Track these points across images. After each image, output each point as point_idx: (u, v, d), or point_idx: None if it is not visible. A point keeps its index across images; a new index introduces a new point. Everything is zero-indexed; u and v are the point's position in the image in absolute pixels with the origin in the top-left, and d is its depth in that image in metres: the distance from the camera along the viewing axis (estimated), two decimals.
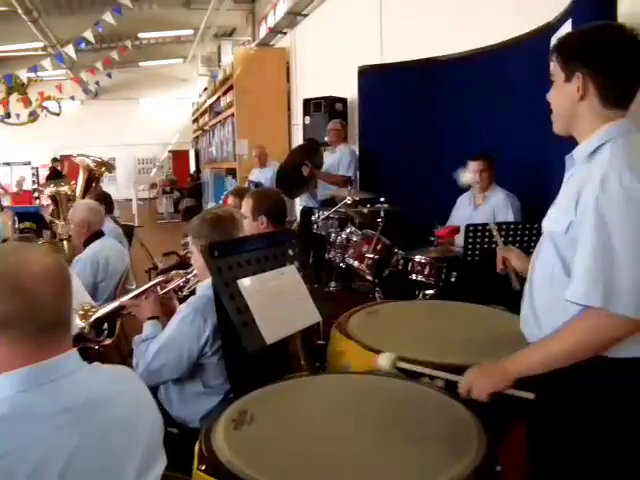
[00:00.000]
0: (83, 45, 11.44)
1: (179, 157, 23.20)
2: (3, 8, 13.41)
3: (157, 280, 2.99)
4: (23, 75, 12.24)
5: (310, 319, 2.51)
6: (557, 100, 1.92)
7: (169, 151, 22.21)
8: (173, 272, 3.05)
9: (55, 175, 19.41)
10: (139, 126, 24.13)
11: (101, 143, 21.35)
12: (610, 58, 1.79)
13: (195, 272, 2.93)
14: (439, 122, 6.23)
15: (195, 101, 20.59)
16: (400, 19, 7.47)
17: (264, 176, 8.58)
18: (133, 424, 1.51)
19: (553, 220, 1.91)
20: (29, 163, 23.31)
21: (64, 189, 6.02)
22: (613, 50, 1.79)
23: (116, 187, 20.02)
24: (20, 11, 13.05)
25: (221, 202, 7.38)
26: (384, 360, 2.21)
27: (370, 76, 7.15)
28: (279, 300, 2.39)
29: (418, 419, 1.96)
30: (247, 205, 3.59)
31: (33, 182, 23.32)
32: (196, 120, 19.83)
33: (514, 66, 5.14)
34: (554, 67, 1.91)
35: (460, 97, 5.99)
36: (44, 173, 22.13)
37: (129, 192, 18.12)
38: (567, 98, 1.86)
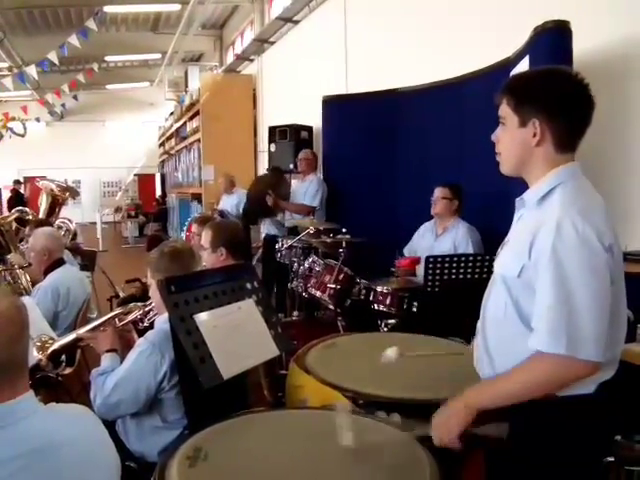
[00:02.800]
0: (47, 66, 11.38)
1: (145, 181, 23.09)
2: None
3: (115, 312, 2.97)
4: None
5: (268, 353, 2.52)
6: (508, 143, 1.93)
7: (135, 175, 22.07)
8: (132, 304, 3.03)
9: (17, 198, 19.15)
10: (105, 149, 24.03)
11: (66, 165, 21.22)
12: (566, 105, 1.83)
13: (153, 305, 2.92)
14: (402, 152, 6.33)
15: (162, 125, 20.58)
16: (364, 51, 7.62)
17: (230, 203, 8.59)
18: (88, 469, 1.50)
19: (504, 264, 1.94)
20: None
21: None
22: (568, 97, 1.83)
23: (81, 210, 19.86)
24: None
25: (185, 228, 7.36)
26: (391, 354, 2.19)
27: (334, 106, 7.23)
28: (236, 335, 2.40)
29: (372, 454, 1.97)
30: (207, 237, 3.59)
31: None
32: (162, 144, 19.80)
33: (474, 99, 5.24)
34: (504, 109, 1.92)
35: (422, 128, 6.09)
36: (7, 195, 21.82)
37: (94, 215, 17.96)
38: (521, 143, 1.88)
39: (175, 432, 2.58)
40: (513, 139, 1.91)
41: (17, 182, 19.85)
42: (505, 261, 1.94)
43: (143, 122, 24.17)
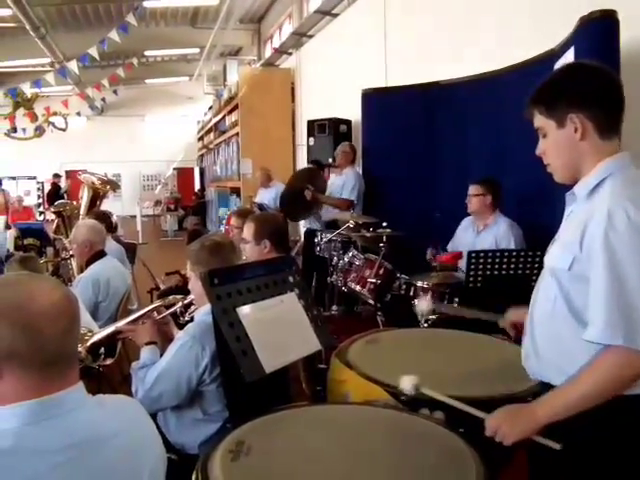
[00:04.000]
0: (87, 61, 11.52)
1: (184, 175, 23.28)
2: (12, 24, 13.55)
3: (155, 305, 2.97)
4: (28, 89, 12.27)
5: (310, 348, 2.49)
6: (554, 150, 1.91)
7: (174, 168, 22.26)
8: (172, 297, 3.02)
9: (56, 191, 19.53)
10: (144, 143, 24.31)
11: (106, 159, 21.51)
12: (595, 91, 1.82)
13: (193, 297, 2.91)
14: (442, 146, 6.25)
15: (200, 119, 20.72)
16: (404, 43, 7.54)
17: (267, 197, 8.59)
18: (135, 461, 1.49)
19: (555, 257, 1.90)
20: (34, 178, 23.42)
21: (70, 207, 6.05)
22: (594, 83, 1.82)
23: (121, 203, 20.11)
24: (28, 27, 13.17)
25: (224, 221, 7.38)
26: (406, 383, 2.17)
27: (374, 99, 7.18)
28: (278, 328, 2.38)
29: (416, 451, 1.94)
30: (249, 229, 3.57)
31: (38, 197, 23.45)
32: (201, 138, 19.93)
33: (515, 92, 5.12)
34: (538, 120, 1.91)
35: (462, 122, 6.00)
36: (49, 188, 22.25)
37: (134, 209, 18.17)
38: (566, 143, 1.85)
39: (216, 425, 2.58)
40: (557, 143, 1.88)
41: (56, 175, 20.21)
42: (555, 254, 1.91)
43: (182, 116, 24.37)
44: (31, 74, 17.01)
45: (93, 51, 11.12)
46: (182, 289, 4.91)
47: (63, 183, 20.63)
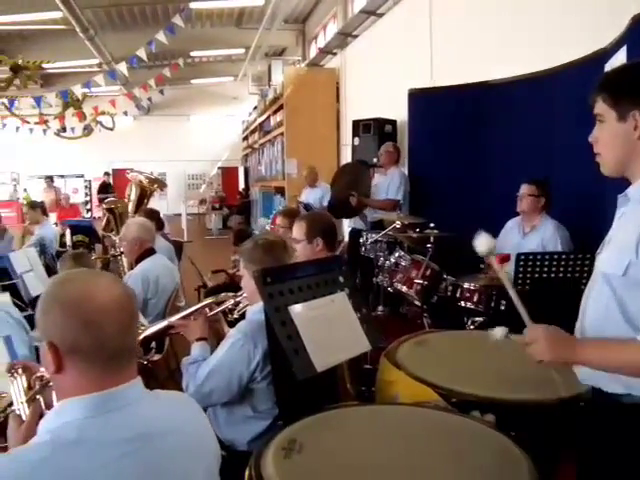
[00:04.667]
0: (135, 63, 11.70)
1: (228, 174, 23.48)
2: (62, 26, 13.83)
3: (207, 301, 3.00)
4: (78, 90, 12.52)
5: (359, 348, 2.49)
6: (608, 141, 1.85)
7: (218, 168, 22.46)
8: (223, 294, 3.05)
9: (105, 188, 19.91)
10: (189, 142, 24.57)
11: (152, 158, 21.80)
12: None
13: (245, 295, 2.93)
14: (489, 146, 6.20)
15: (245, 119, 20.87)
16: (450, 43, 7.49)
17: (313, 197, 8.62)
18: (190, 457, 1.51)
19: (608, 262, 1.85)
20: (82, 176, 23.87)
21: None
22: None
23: (167, 202, 20.35)
24: (78, 29, 13.43)
25: (270, 220, 7.42)
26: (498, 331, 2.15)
27: (420, 99, 7.16)
28: (329, 327, 2.39)
29: (468, 454, 1.93)
30: (300, 228, 3.59)
31: (85, 195, 23.89)
32: (246, 138, 20.08)
33: (566, 92, 5.08)
34: (600, 107, 1.85)
35: (511, 122, 5.95)
36: (97, 186, 22.66)
37: (179, 207, 18.38)
38: (622, 138, 1.80)
39: (265, 422, 2.60)
40: (613, 135, 1.83)
41: (106, 174, 20.58)
42: (608, 259, 1.85)
43: (227, 116, 24.59)
44: (80, 75, 17.40)
45: (141, 52, 11.31)
46: (229, 287, 4.96)
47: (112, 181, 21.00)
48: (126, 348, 1.45)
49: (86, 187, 24.20)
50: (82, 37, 13.98)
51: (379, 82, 9.92)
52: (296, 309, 2.28)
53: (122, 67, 11.76)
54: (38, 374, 1.87)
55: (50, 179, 18.45)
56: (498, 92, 6.08)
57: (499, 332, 2.11)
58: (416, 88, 7.26)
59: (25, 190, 23.45)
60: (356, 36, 11.59)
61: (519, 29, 6.05)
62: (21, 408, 1.82)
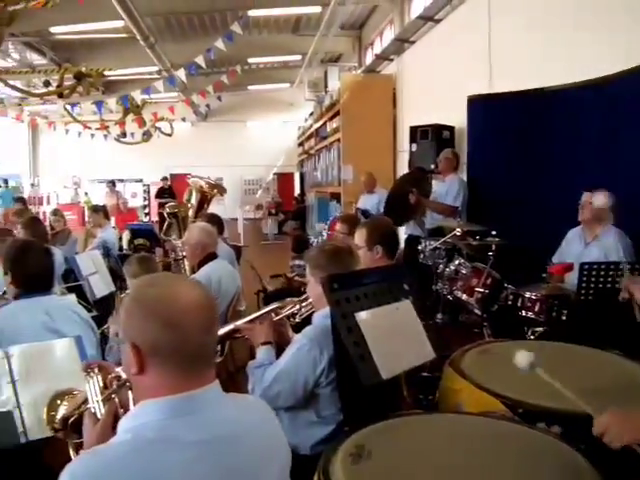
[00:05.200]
0: (194, 70, 11.90)
1: (284, 179, 23.67)
2: (123, 35, 14.16)
3: (273, 306, 3.03)
4: (137, 97, 12.80)
5: (424, 355, 2.50)
6: None
7: (274, 173, 22.65)
8: (289, 299, 3.08)
9: (163, 193, 20.26)
10: (246, 148, 24.81)
11: (209, 163, 22.05)
12: None
13: (310, 300, 2.95)
14: (550, 153, 6.10)
15: (301, 125, 20.99)
16: (509, 48, 7.40)
17: (370, 203, 8.60)
18: (265, 459, 1.54)
19: None
20: (141, 180, 24.33)
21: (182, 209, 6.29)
22: None
23: (224, 207, 20.59)
24: (139, 37, 13.73)
25: (326, 227, 7.45)
26: (522, 359, 2.10)
27: (480, 105, 7.09)
28: (395, 335, 2.40)
29: (535, 465, 1.91)
30: (361, 235, 3.61)
31: (144, 199, 24.34)
32: (302, 144, 20.20)
33: (629, 98, 4.97)
34: None
35: (572, 129, 5.84)
36: (156, 190, 23.05)
37: (235, 212, 18.58)
38: None
39: (329, 427, 2.61)
40: None
41: (164, 179, 20.95)
42: None
43: (283, 122, 24.80)
44: (140, 81, 17.77)
45: (200, 60, 11.48)
46: (287, 292, 5.01)
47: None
48: (207, 351, 1.49)
49: (144, 191, 24.65)
50: (143, 45, 14.28)
51: (436, 88, 9.87)
52: (362, 316, 2.30)
53: (181, 74, 11.96)
54: (114, 374, 1.91)
55: (112, 184, 18.81)
56: (560, 98, 5.98)
57: (524, 360, 2.07)
58: (476, 94, 7.19)
59: (86, 194, 24.03)
60: (413, 42, 11.55)
61: (582, 33, 5.94)
62: (96, 406, 1.86)
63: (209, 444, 1.41)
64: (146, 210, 23.68)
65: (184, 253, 4.80)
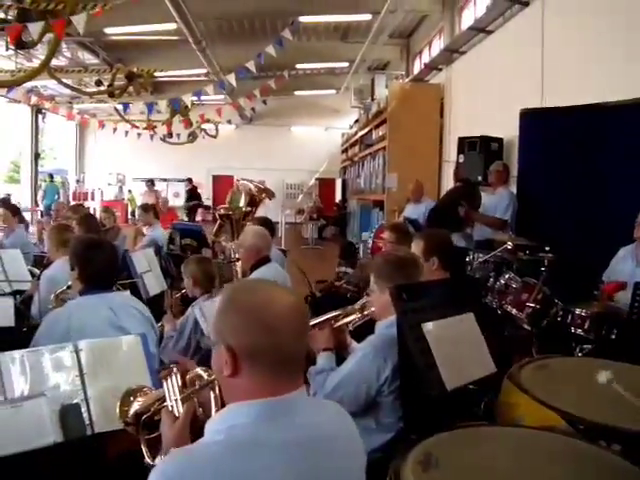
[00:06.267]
0: (244, 75, 12.03)
1: (325, 185, 23.74)
2: (175, 37, 14.37)
3: (334, 313, 3.06)
4: (187, 99, 13.00)
5: (486, 369, 2.52)
6: None
7: (316, 178, 22.73)
8: (350, 307, 3.10)
9: (192, 195, 20.57)
10: (289, 152, 24.95)
11: (252, 166, 22.23)
12: None
13: (371, 310, 2.97)
14: (605, 170, 6.02)
15: (345, 132, 21.04)
16: (563, 61, 7.35)
17: (416, 212, 8.58)
18: (347, 462, 1.58)
19: None
20: (184, 180, 24.62)
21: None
22: None
23: (265, 210, 20.75)
24: (190, 40, 13.93)
25: (371, 234, 7.47)
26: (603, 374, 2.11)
27: (533, 119, 7.04)
28: (459, 347, 2.43)
29: None
30: (418, 246, 3.63)
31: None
32: (345, 150, 20.24)
33: None
34: None
35: (630, 146, 5.76)
36: (198, 191, 23.32)
37: (276, 216, 18.71)
38: None
39: (387, 435, 2.64)
40: None
41: (189, 180, 21.30)
42: None
43: (327, 128, 24.89)
44: (188, 83, 18.03)
45: (250, 65, 11.62)
46: (334, 298, 5.04)
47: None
48: (299, 355, 1.54)
49: (187, 192, 24.94)
50: (194, 48, 14.49)
51: (485, 99, 9.83)
52: (429, 327, 2.33)
53: (231, 78, 12.11)
54: (193, 373, 1.96)
55: (151, 182, 19.06)
56: (617, 114, 5.89)
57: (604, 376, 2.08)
58: (529, 108, 7.15)
59: (130, 191, 24.43)
60: (463, 52, 11.53)
61: (636, 49, 5.88)
62: (174, 405, 1.89)
63: (300, 447, 1.45)
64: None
65: (237, 255, 4.86)
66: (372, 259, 5.79)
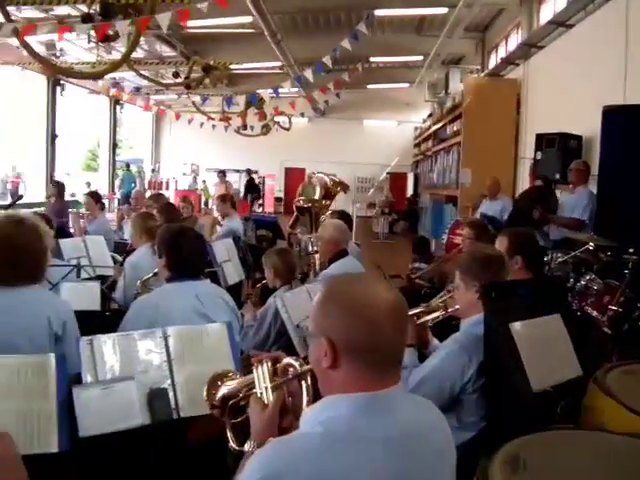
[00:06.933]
0: (322, 69, 12.08)
1: (397, 179, 23.62)
2: (250, 30, 14.54)
3: (418, 310, 3.05)
4: (265, 93, 13.15)
5: (572, 372, 2.49)
6: None
7: (387, 173, 22.66)
8: (434, 303, 3.09)
9: (251, 186, 20.78)
10: (360, 146, 24.95)
11: (323, 159, 22.31)
12: None
13: (456, 307, 2.94)
14: None
15: (418, 126, 20.88)
16: None
17: (493, 209, 8.43)
18: (444, 456, 1.59)
19: None
20: (256, 172, 24.92)
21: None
22: None
23: (335, 204, 20.83)
24: (266, 33, 14.06)
25: (447, 230, 7.42)
26: None
27: (617, 116, 6.83)
28: (545, 348, 2.41)
29: None
30: (502, 244, 3.58)
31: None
32: (418, 145, 20.10)
33: None
34: None
35: None
36: (270, 183, 23.60)
37: (348, 209, 18.73)
38: None
39: (467, 434, 2.61)
40: None
41: (248, 172, 21.53)
42: None
43: (399, 122, 24.77)
44: (263, 76, 18.21)
45: (326, 59, 11.66)
46: (412, 293, 5.03)
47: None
48: (398, 352, 1.54)
49: (259, 183, 25.24)
50: (269, 41, 14.60)
51: (564, 95, 9.59)
52: (516, 327, 2.32)
53: (307, 73, 12.19)
54: (284, 362, 1.92)
55: (222, 174, 19.34)
56: None
57: None
58: (613, 105, 6.94)
59: (204, 182, 24.89)
60: (542, 47, 11.28)
61: None
62: (263, 392, 1.89)
63: (398, 442, 1.45)
64: (260, 201, 24.23)
65: (315, 248, 4.90)
66: (450, 255, 5.76)
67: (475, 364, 2.55)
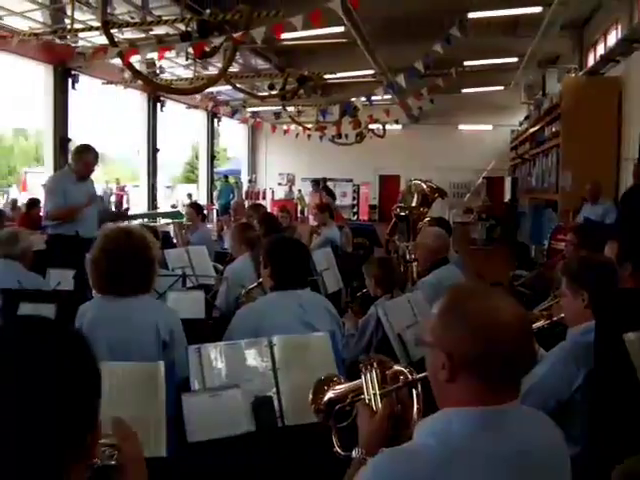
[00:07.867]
0: (414, 75, 12.04)
1: (494, 184, 23.17)
2: (342, 40, 14.65)
3: None
4: (358, 102, 13.23)
5: None
6: None
7: (483, 177, 22.27)
8: (536, 312, 3.04)
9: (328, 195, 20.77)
10: (455, 151, 24.60)
11: (417, 166, 22.14)
12: None
13: (561, 315, 2.88)
14: None
15: (515, 129, 20.46)
16: None
17: (594, 213, 8.20)
18: (561, 473, 1.53)
19: None
20: (351, 180, 25.00)
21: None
22: None
23: (430, 210, 20.65)
24: (359, 42, 14.12)
25: (549, 235, 7.26)
26: None
27: None
28: None
29: None
30: (612, 249, 3.47)
31: (353, 198, 25.03)
32: (515, 148, 19.70)
33: None
34: None
35: None
36: (364, 191, 23.63)
37: (444, 215, 18.53)
38: None
39: (574, 449, 2.50)
40: None
41: (316, 182, 21.46)
42: None
43: (494, 125, 24.33)
44: (355, 84, 18.29)
45: (419, 65, 11.62)
46: None
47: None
48: (522, 367, 1.49)
49: (354, 191, 25.34)
50: (362, 49, 14.65)
51: None
52: (630, 337, 2.25)
53: (400, 79, 12.18)
54: (393, 370, 1.94)
55: (316, 183, 19.53)
56: None
57: None
58: None
59: (300, 191, 25.21)
60: None
61: None
62: (372, 399, 1.90)
63: (517, 458, 1.41)
64: (355, 209, 24.32)
65: (414, 255, 4.90)
66: (552, 261, 5.62)
67: (583, 374, 2.48)
